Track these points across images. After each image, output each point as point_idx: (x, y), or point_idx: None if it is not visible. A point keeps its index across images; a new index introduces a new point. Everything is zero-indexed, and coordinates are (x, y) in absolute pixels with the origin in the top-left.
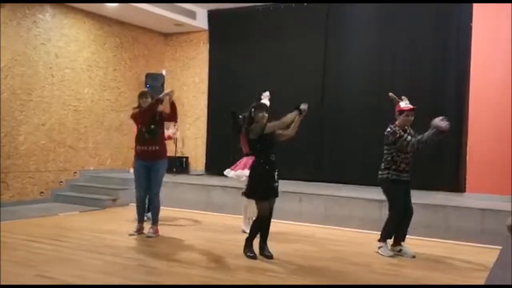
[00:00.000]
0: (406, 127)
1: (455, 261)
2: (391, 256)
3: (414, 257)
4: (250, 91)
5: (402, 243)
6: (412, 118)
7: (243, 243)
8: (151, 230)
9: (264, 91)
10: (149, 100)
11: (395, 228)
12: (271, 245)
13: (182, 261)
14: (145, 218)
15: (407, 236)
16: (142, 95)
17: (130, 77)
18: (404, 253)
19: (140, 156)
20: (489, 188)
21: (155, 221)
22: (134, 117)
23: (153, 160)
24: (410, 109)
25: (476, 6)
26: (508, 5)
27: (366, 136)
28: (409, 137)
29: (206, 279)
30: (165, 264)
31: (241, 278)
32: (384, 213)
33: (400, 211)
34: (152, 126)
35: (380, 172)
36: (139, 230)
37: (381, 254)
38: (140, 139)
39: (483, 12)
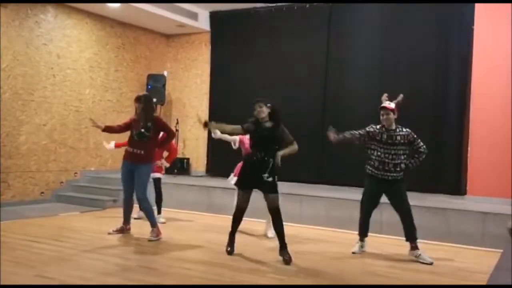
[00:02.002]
0: (386, 126)
1: (456, 264)
2: (353, 252)
3: (432, 263)
4: (251, 92)
5: (416, 249)
6: (384, 117)
7: (243, 244)
8: (153, 234)
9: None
10: (141, 105)
11: (360, 221)
12: (273, 247)
13: (182, 262)
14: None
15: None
16: (135, 100)
17: (131, 78)
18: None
19: (126, 156)
20: (490, 191)
21: (152, 224)
22: (129, 120)
23: (136, 163)
24: (379, 109)
25: (478, 10)
26: (509, 8)
27: None
28: (359, 131)
29: (206, 281)
30: (166, 265)
31: (241, 280)
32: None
33: (362, 204)
34: (142, 130)
35: None
36: (120, 230)
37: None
38: (129, 141)
39: (485, 15)
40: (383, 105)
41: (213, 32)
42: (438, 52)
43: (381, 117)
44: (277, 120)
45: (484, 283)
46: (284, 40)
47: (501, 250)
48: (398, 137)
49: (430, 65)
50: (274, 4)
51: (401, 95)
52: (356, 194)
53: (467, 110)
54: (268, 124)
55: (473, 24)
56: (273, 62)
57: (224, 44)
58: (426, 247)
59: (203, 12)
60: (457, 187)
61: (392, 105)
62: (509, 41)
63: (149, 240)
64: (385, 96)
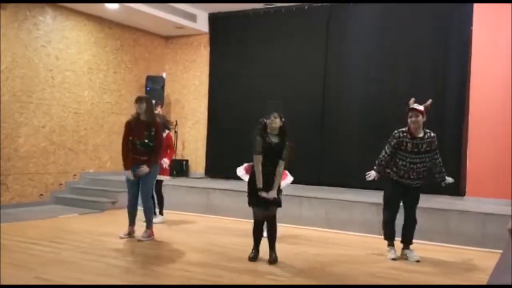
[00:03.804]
0: (413, 132)
1: (456, 266)
2: (393, 259)
3: (418, 261)
4: (250, 94)
5: (407, 248)
6: (413, 119)
7: (243, 246)
8: (144, 234)
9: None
10: (144, 106)
11: (390, 229)
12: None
13: (181, 264)
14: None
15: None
16: (137, 100)
17: (130, 80)
18: (408, 257)
19: (133, 163)
20: (490, 192)
21: (148, 224)
22: (126, 126)
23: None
24: (408, 110)
25: (476, 11)
26: (508, 8)
27: (367, 139)
28: (387, 150)
29: (205, 282)
30: (165, 266)
31: (241, 281)
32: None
33: (389, 210)
34: (146, 141)
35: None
36: (129, 233)
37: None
38: (133, 149)
39: (484, 15)
40: (412, 106)
41: (212, 33)
42: (437, 52)
43: (409, 120)
44: (283, 138)
45: (484, 283)
46: (283, 42)
47: (501, 251)
48: (424, 145)
49: (429, 65)
50: (272, 6)
51: (430, 100)
52: (356, 196)
53: (466, 110)
54: (275, 140)
55: (471, 25)
56: (272, 64)
57: (223, 46)
58: (426, 248)
59: (201, 14)
60: (457, 188)
61: (421, 107)
62: (508, 41)
63: (139, 240)
64: (412, 100)
